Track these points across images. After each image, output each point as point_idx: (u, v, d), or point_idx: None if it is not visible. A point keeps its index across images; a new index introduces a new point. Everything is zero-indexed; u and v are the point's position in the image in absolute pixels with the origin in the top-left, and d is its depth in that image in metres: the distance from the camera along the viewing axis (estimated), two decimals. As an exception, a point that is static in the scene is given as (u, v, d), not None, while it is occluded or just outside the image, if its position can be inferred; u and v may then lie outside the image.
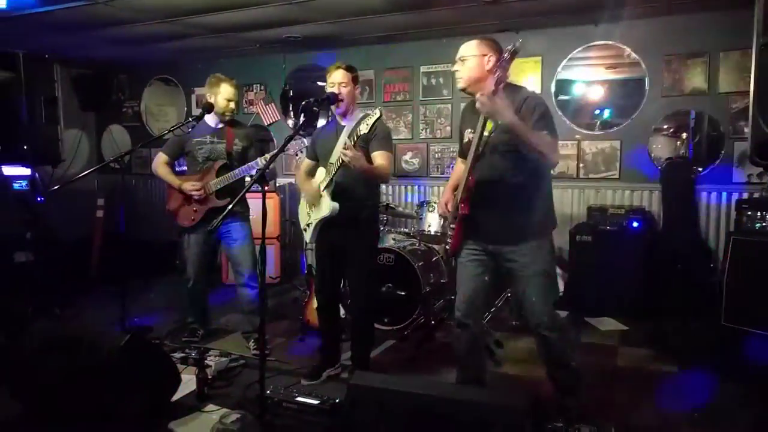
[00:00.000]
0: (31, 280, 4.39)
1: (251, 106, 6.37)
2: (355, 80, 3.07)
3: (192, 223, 3.74)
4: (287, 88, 6.28)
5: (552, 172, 2.73)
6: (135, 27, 4.98)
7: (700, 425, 2.74)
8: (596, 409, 2.77)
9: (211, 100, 3.70)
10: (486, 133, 2.52)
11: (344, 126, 3.09)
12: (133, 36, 5.32)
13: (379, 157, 2.99)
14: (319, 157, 3.19)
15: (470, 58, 2.52)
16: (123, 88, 7.29)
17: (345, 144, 2.82)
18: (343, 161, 2.80)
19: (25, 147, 4.11)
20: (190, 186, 3.64)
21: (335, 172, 2.96)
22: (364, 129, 2.77)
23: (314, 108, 2.93)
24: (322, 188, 3.03)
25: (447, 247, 2.75)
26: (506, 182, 2.49)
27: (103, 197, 6.52)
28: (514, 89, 2.55)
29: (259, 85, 6.39)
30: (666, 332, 4.11)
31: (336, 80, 3.02)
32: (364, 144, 2.94)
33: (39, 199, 4.25)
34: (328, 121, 3.33)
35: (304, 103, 2.89)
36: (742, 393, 3.04)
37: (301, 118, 2.88)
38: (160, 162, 3.79)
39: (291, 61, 6.23)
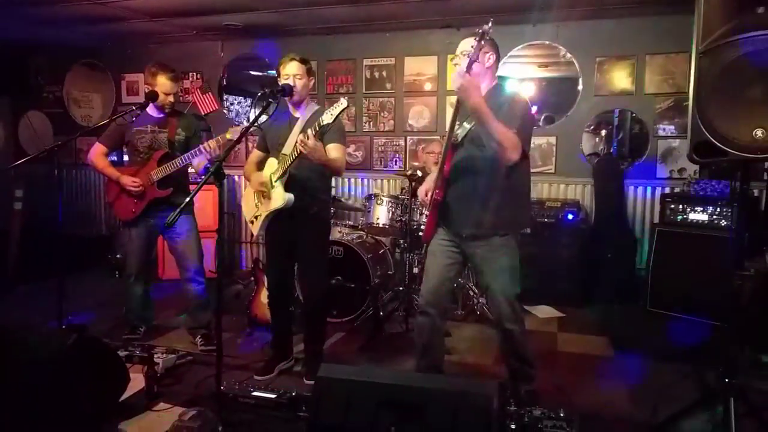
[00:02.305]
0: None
1: (187, 95, 6.14)
2: (309, 72, 3.05)
3: (133, 216, 3.58)
4: (225, 76, 6.11)
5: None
6: (63, 7, 4.67)
7: (637, 403, 2.94)
8: (544, 392, 2.91)
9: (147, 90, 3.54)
10: (468, 125, 2.59)
11: (298, 117, 3.06)
12: (59, 16, 5.00)
13: (334, 150, 2.98)
14: (269, 148, 3.14)
15: (475, 58, 2.48)
16: (42, 71, 6.81)
17: (305, 134, 2.77)
18: (300, 152, 2.77)
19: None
20: (129, 181, 3.48)
21: (290, 163, 2.92)
22: (328, 119, 2.74)
23: (270, 99, 2.88)
24: (275, 179, 2.97)
25: (420, 233, 2.80)
26: (481, 174, 2.55)
27: (23, 188, 6.09)
28: (502, 90, 2.63)
29: (195, 74, 6.18)
30: (599, 318, 4.38)
31: (291, 72, 2.99)
32: (320, 135, 2.92)
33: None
34: (279, 112, 3.24)
35: (261, 93, 2.84)
36: (670, 371, 3.29)
37: (270, 108, 2.80)
38: (98, 153, 3.59)
39: (229, 49, 6.06)
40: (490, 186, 2.56)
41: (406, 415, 1.99)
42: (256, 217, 3.18)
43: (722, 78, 2.07)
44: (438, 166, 2.67)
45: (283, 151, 3.00)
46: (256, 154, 3.26)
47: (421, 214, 4.04)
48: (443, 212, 2.68)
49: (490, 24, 2.36)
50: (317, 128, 2.79)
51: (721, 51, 2.07)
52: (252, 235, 5.54)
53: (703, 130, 2.11)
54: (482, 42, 2.39)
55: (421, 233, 4.05)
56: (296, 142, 2.80)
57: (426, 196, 2.78)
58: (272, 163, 3.07)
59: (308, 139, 2.71)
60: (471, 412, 1.94)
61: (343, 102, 2.70)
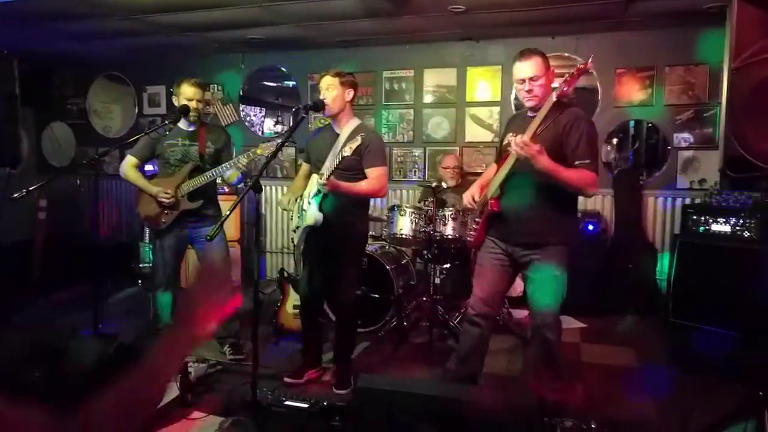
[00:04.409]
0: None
1: (208, 107, 6.22)
2: (345, 84, 3.06)
3: (163, 227, 3.63)
4: (246, 88, 6.20)
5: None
6: (91, 22, 4.78)
7: (666, 415, 2.95)
8: (571, 403, 2.92)
9: (177, 104, 3.62)
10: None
11: (338, 134, 3.12)
12: (89, 32, 5.10)
13: (370, 173, 3.04)
14: (311, 163, 3.20)
15: (542, 78, 2.54)
16: (67, 83, 6.94)
17: (321, 177, 2.89)
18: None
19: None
20: (162, 194, 3.54)
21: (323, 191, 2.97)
22: (347, 152, 2.84)
23: (302, 115, 2.94)
24: (311, 196, 3.03)
25: (469, 238, 2.83)
26: (540, 185, 2.56)
27: (46, 198, 6.19)
28: (560, 107, 2.57)
29: (216, 85, 6.27)
30: (621, 328, 4.39)
31: (323, 85, 3.05)
32: (358, 156, 2.98)
33: None
34: (324, 127, 3.31)
35: (294, 109, 2.91)
36: (695, 383, 3.29)
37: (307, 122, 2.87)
38: (129, 165, 3.66)
39: (249, 62, 6.15)
40: (548, 196, 2.57)
41: (447, 427, 2.02)
42: (297, 227, 3.25)
43: (755, 94, 2.10)
44: (494, 176, 2.69)
45: (322, 169, 3.05)
46: (304, 167, 3.36)
47: (444, 224, 4.08)
48: (498, 221, 2.70)
49: (590, 61, 2.45)
50: (340, 158, 2.88)
51: (753, 68, 2.11)
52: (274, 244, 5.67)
53: (737, 145, 2.15)
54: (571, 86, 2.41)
55: (446, 245, 4.11)
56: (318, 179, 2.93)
57: (472, 200, 2.80)
58: (314, 181, 3.11)
59: (326, 181, 2.82)
60: (512, 424, 1.97)
61: (357, 139, 2.85)
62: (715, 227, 4.23)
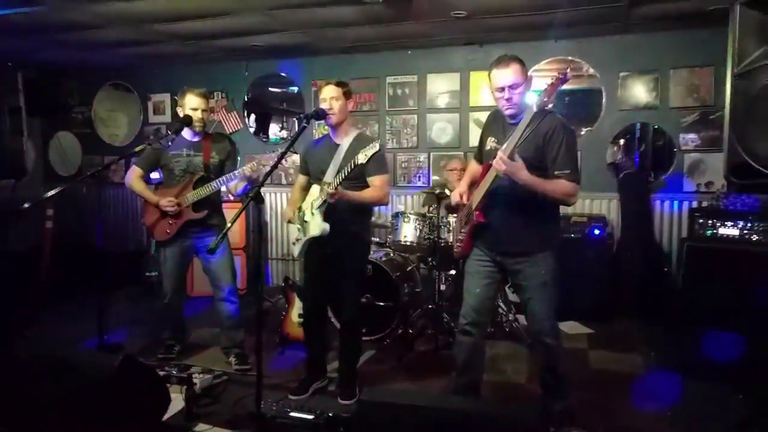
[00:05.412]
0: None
1: (212, 114, 6.24)
2: (346, 95, 3.08)
3: (168, 237, 3.64)
4: (250, 95, 6.21)
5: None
6: (97, 32, 4.81)
7: (677, 424, 2.91)
8: (579, 411, 2.89)
9: (181, 114, 3.63)
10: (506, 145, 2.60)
11: (338, 144, 3.11)
12: (94, 41, 5.13)
13: (374, 182, 3.04)
14: (311, 174, 3.19)
15: (521, 85, 2.50)
16: (72, 92, 6.98)
17: (326, 186, 2.87)
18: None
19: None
20: (166, 202, 3.55)
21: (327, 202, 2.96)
22: (362, 159, 2.83)
23: (304, 124, 2.94)
24: (315, 207, 3.03)
25: (456, 249, 2.83)
26: (524, 195, 2.53)
27: (53, 207, 6.22)
28: (540, 113, 2.50)
29: (220, 93, 6.29)
30: (628, 333, 4.35)
31: (327, 95, 3.05)
32: (361, 168, 2.97)
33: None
34: (320, 137, 3.33)
35: (297, 117, 2.91)
36: (705, 389, 3.26)
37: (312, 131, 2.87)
38: (134, 176, 3.68)
39: (253, 69, 6.17)
40: (532, 205, 2.56)
41: (450, 439, 2.01)
42: (297, 240, 3.24)
43: (759, 100, 2.08)
44: (477, 187, 2.67)
45: (325, 179, 3.04)
46: (301, 178, 3.35)
47: (449, 231, 4.06)
48: (484, 231, 2.69)
49: (569, 71, 2.42)
50: (353, 166, 2.87)
51: (757, 74, 2.09)
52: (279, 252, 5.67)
53: (741, 152, 2.13)
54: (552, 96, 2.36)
55: (451, 252, 4.08)
56: (323, 189, 2.91)
57: (460, 198, 2.78)
58: (314, 191, 3.12)
59: (334, 191, 2.80)
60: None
61: (375, 146, 2.86)
62: (723, 230, 4.19)
